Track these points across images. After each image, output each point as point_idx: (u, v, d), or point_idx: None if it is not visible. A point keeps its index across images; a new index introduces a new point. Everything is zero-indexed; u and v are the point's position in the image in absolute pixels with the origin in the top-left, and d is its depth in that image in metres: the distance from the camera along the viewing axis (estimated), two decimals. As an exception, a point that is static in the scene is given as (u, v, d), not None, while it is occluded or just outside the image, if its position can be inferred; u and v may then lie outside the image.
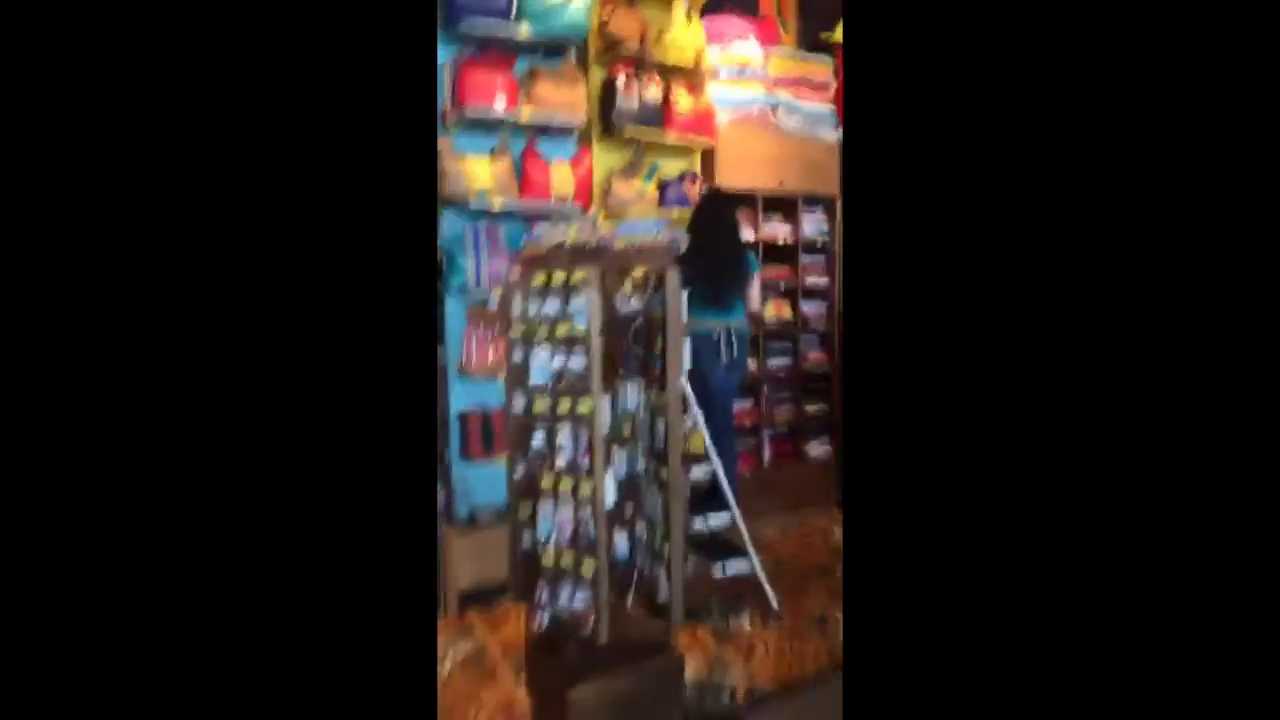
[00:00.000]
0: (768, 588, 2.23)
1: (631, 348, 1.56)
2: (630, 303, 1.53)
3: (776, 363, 3.12)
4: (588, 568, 1.36)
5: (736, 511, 2.19)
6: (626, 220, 1.46)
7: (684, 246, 1.44)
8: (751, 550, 2.21)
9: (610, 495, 1.38)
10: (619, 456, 1.56)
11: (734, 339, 2.25)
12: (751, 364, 3.00)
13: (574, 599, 1.37)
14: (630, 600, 1.55)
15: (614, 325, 1.54)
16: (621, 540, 1.57)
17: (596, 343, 1.34)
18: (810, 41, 3.26)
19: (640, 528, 1.56)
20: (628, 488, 1.54)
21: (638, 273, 1.52)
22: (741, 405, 3.04)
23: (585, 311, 1.32)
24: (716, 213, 2.28)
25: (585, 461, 1.36)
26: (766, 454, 3.10)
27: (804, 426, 3.19)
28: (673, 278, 1.43)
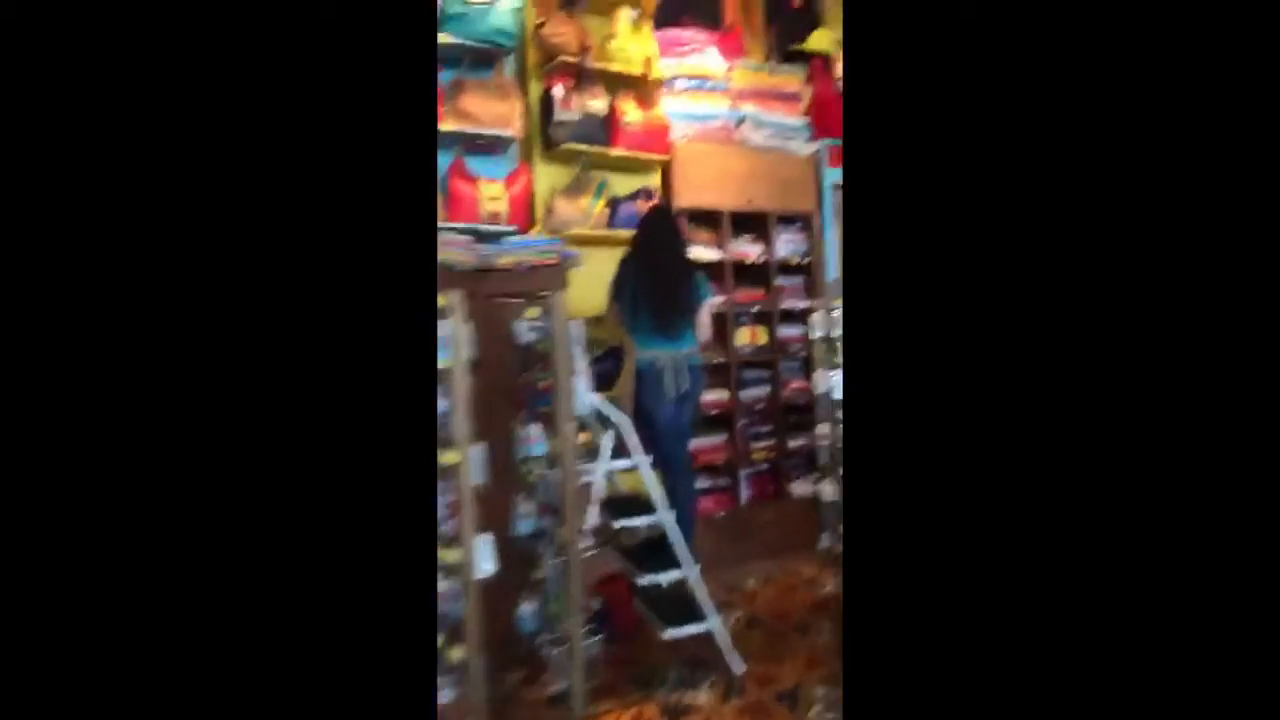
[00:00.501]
0: (729, 653, 1.94)
1: (536, 383, 1.33)
2: (530, 331, 1.31)
3: (753, 393, 2.86)
4: (454, 653, 1.11)
5: (691, 567, 1.92)
6: (511, 236, 1.28)
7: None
8: (710, 611, 1.93)
9: (485, 564, 1.14)
10: (524, 509, 1.33)
11: (684, 370, 2.01)
12: (724, 395, 2.76)
13: (439, 692, 1.12)
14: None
15: (510, 357, 1.31)
16: (527, 612, 1.32)
17: (462, 381, 1.11)
18: (782, 53, 3.09)
19: (540, 598, 1.31)
20: (526, 551, 1.29)
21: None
22: (715, 441, 2.78)
23: (446, 344, 1.10)
24: (662, 231, 2.06)
25: (452, 525, 1.13)
26: (744, 494, 2.82)
27: (786, 462, 2.91)
28: (559, 302, 1.20)
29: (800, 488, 2.94)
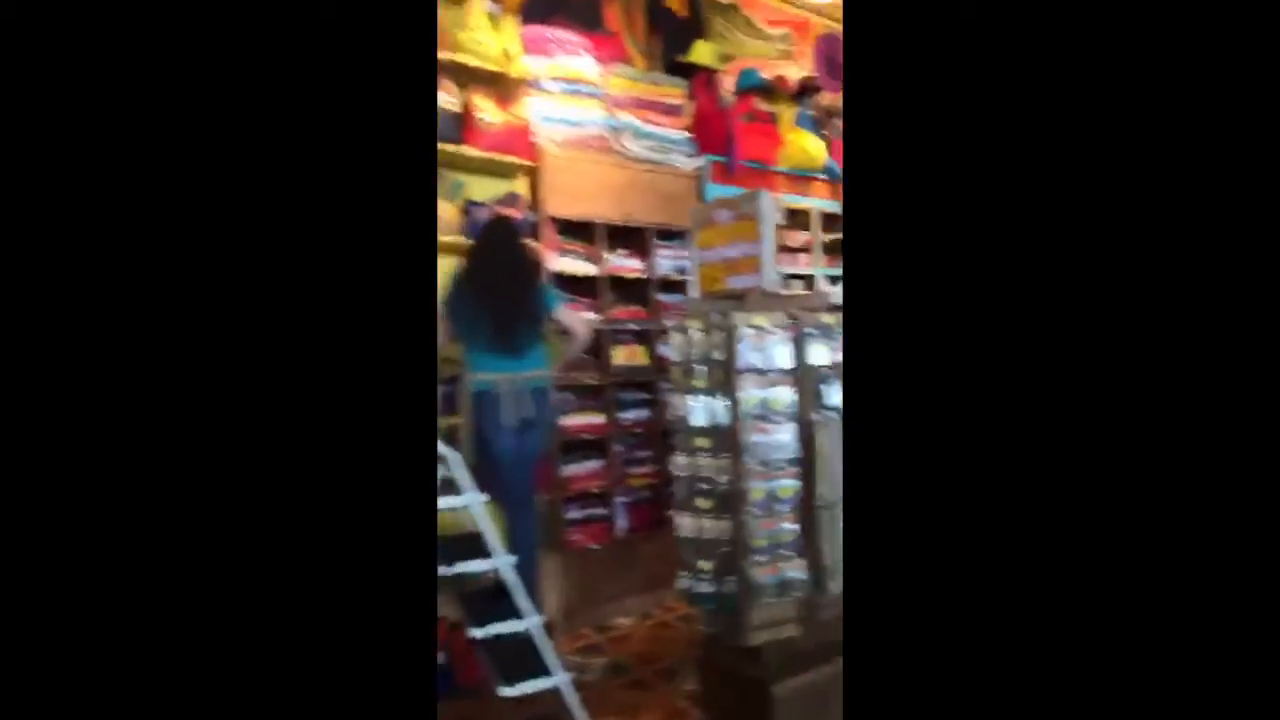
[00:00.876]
0: (576, 712, 1.74)
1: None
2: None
3: (631, 416, 2.70)
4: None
5: (533, 617, 1.70)
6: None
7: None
8: (555, 665, 1.72)
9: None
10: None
11: (525, 393, 1.81)
12: (599, 418, 2.59)
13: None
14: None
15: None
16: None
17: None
18: (666, 63, 2.99)
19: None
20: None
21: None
22: (588, 467, 2.59)
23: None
24: (502, 242, 1.86)
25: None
26: (620, 524, 2.64)
27: (667, 489, 2.75)
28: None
29: (682, 515, 2.79)
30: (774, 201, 1.66)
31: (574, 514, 2.56)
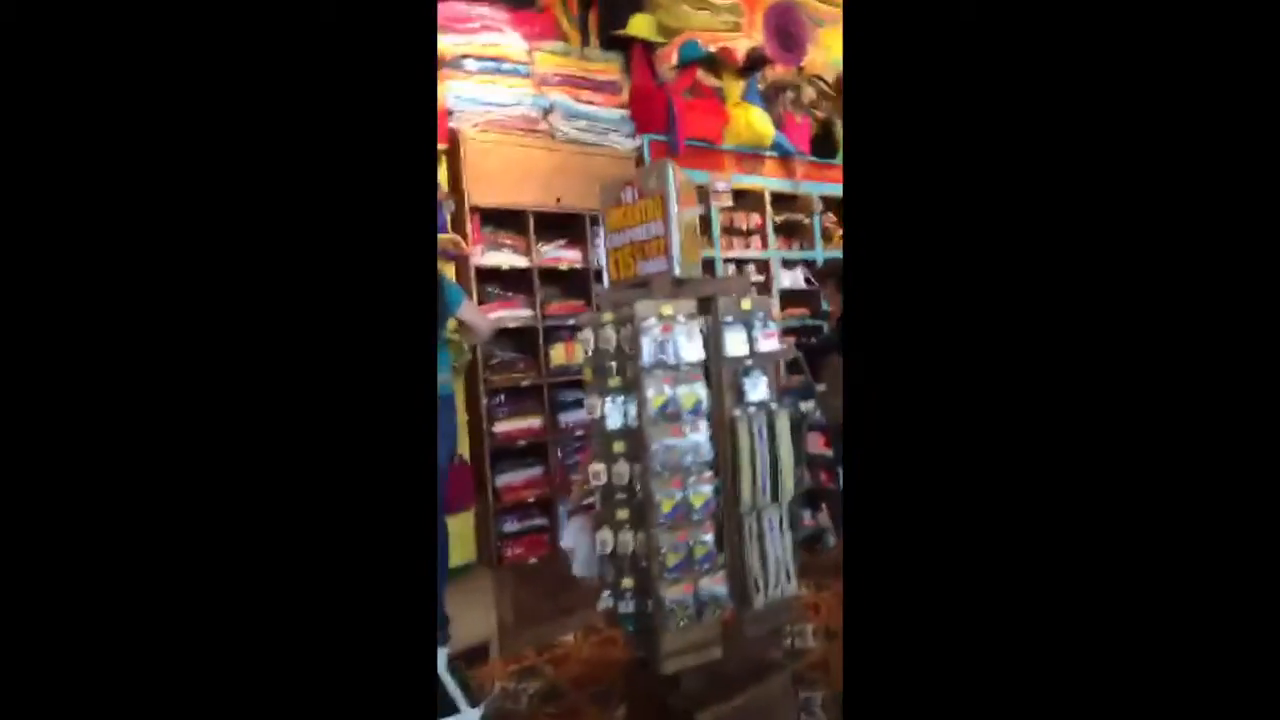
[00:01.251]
0: (488, 752, 1.57)
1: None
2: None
3: (572, 417, 2.52)
4: None
5: (438, 652, 1.53)
6: None
7: None
8: (463, 702, 1.55)
9: None
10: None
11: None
12: (535, 422, 2.41)
13: None
14: None
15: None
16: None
17: None
18: (604, 38, 2.80)
19: None
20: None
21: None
22: (525, 475, 2.42)
23: None
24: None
25: None
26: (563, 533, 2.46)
27: (614, 494, 2.58)
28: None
29: (633, 521, 2.62)
30: (678, 172, 1.48)
31: (511, 526, 2.39)
